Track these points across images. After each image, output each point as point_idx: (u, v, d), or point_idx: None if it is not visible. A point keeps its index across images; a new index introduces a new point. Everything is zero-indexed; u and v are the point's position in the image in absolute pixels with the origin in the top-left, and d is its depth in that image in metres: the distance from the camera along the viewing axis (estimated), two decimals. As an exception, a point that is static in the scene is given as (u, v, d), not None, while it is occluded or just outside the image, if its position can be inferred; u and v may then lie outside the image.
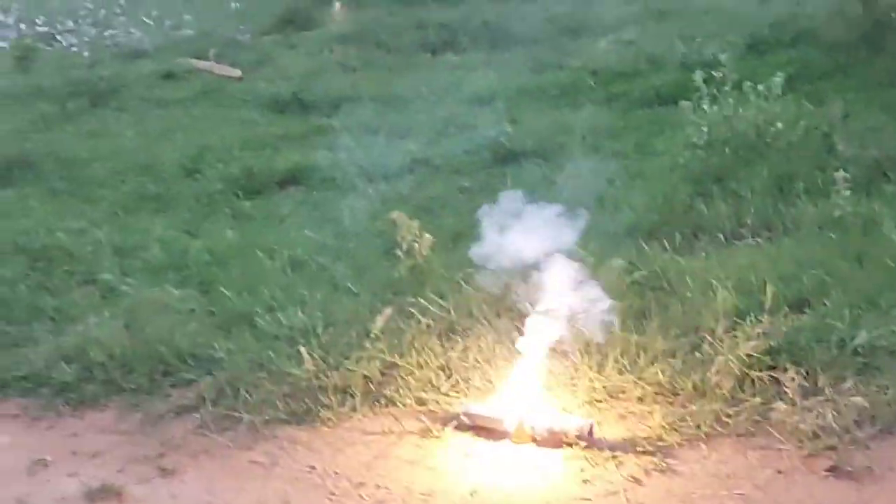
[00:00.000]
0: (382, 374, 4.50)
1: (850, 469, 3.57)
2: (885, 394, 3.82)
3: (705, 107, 6.39)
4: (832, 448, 3.66)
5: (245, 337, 4.95)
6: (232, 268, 5.83)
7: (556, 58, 9.59)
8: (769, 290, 4.30)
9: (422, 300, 4.90)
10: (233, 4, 15.16)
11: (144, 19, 14.38)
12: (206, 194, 7.16)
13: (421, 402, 4.30)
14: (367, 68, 10.38)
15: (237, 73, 10.96)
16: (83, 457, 4.26)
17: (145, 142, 8.60)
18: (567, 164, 6.59)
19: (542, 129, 7.40)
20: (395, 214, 5.30)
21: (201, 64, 11.46)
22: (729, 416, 3.90)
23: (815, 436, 3.71)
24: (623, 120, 7.69)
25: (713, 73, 6.35)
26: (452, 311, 4.82)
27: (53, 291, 5.77)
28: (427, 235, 5.37)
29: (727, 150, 6.16)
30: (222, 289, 5.46)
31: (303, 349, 4.55)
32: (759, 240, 5.32)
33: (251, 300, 5.35)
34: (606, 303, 4.41)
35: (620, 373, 4.22)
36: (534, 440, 3.96)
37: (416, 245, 5.30)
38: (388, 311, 4.69)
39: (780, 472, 3.63)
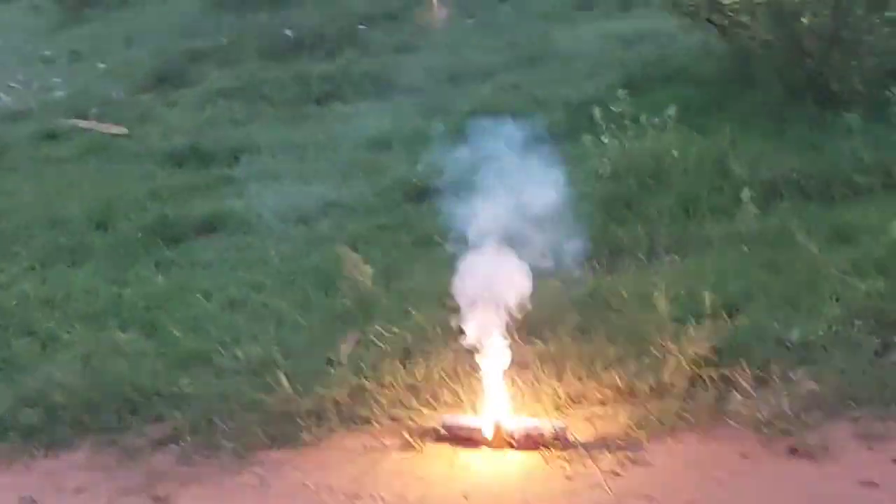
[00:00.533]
0: (351, 397, 4.70)
1: (807, 449, 3.96)
2: (827, 382, 4.24)
3: (605, 140, 6.82)
4: (788, 432, 4.05)
5: (205, 373, 5.11)
6: (170, 311, 5.94)
7: (444, 103, 9.95)
8: (707, 296, 4.70)
9: (376, 327, 5.14)
10: (100, 65, 15.10)
11: (11, 84, 14.24)
12: (123, 244, 7.22)
13: (395, 418, 4.54)
14: (256, 120, 10.55)
15: (123, 129, 10.97)
16: (68, 493, 4.37)
17: (45, 198, 8.57)
18: (480, 199, 6.91)
19: (445, 168, 7.71)
20: (339, 248, 5.55)
21: (83, 123, 11.42)
22: (687, 411, 4.25)
23: (771, 422, 4.09)
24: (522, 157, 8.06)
25: (611, 108, 6.78)
26: (408, 337, 5.06)
27: (-4, 343, 5.78)
28: (368, 267, 5.63)
29: (630, 179, 6.58)
30: (170, 330, 5.59)
31: (278, 375, 4.73)
32: (675, 257, 5.72)
33: (200, 339, 5.50)
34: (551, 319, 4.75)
35: (580, 379, 4.54)
36: (511, 445, 4.24)
37: (360, 277, 5.55)
38: (352, 337, 4.93)
39: (744, 456, 4.00)
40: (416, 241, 6.55)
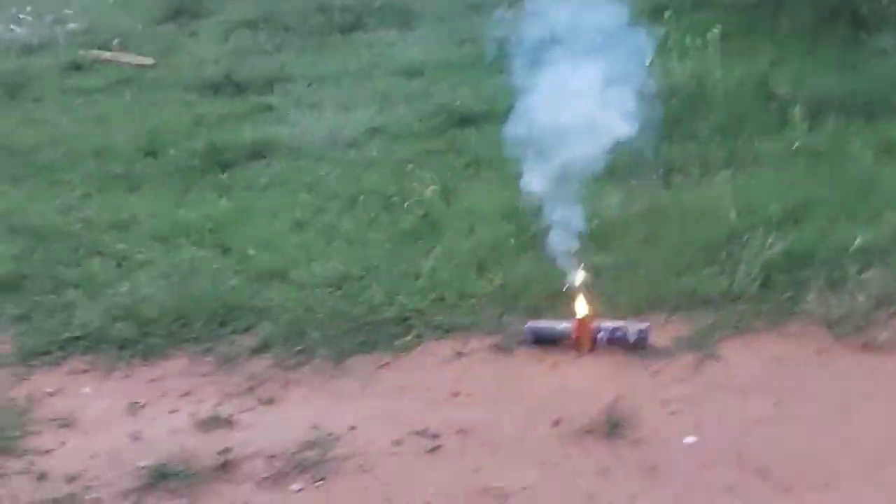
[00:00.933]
0: (434, 306, 4.94)
1: (880, 344, 4.22)
2: (894, 283, 4.49)
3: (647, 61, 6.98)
4: (860, 329, 4.31)
5: (286, 288, 5.33)
6: (239, 231, 6.15)
7: (470, 31, 10.10)
8: (771, 206, 4.94)
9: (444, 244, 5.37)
10: (109, -2, 15.11)
11: (21, 15, 14.23)
12: (176, 171, 7.40)
13: (478, 325, 4.77)
14: (283, 50, 10.68)
15: (149, 60, 11.08)
16: (174, 397, 4.59)
17: (85, 128, 8.73)
18: (529, 124, 7.12)
19: (489, 95, 7.91)
20: (408, 167, 5.76)
21: (107, 55, 11.51)
22: (761, 313, 4.51)
23: (843, 321, 4.35)
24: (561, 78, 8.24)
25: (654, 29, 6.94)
26: (479, 250, 5.30)
27: (66, 264, 5.97)
28: (431, 186, 5.85)
29: (674, 99, 6.78)
30: (244, 248, 5.80)
31: (359, 287, 4.97)
32: (728, 172, 5.94)
33: (275, 257, 5.72)
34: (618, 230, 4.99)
35: (655, 285, 4.78)
36: (593, 348, 4.49)
37: (425, 195, 5.78)
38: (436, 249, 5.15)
39: (819, 352, 4.26)
40: (469, 163, 6.74)
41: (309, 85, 9.16)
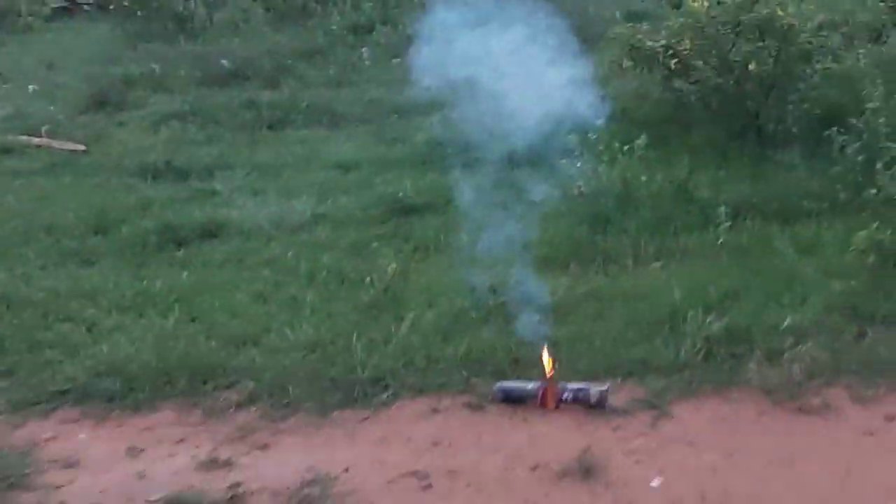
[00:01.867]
0: (406, 368, 5.39)
1: (812, 409, 4.81)
2: (821, 358, 5.11)
3: (579, 164, 7.66)
4: (794, 396, 4.90)
5: (260, 351, 5.71)
6: (204, 302, 6.51)
7: (398, 133, 10.70)
8: (708, 290, 5.55)
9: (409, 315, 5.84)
10: (30, 88, 15.36)
11: (-56, 104, 14.39)
12: (131, 247, 7.70)
13: (450, 386, 5.23)
14: (214, 142, 11.08)
15: (80, 146, 11.37)
16: (169, 443, 4.93)
17: (31, 206, 8.96)
18: (465, 216, 7.68)
19: (426, 188, 8.46)
20: (373, 245, 6.25)
21: (37, 140, 11.76)
22: (706, 380, 5.07)
23: (779, 388, 4.94)
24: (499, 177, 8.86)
25: (588, 135, 7.63)
26: (442, 320, 5.78)
27: (38, 329, 6.25)
28: (393, 264, 6.35)
29: (605, 199, 7.42)
30: (212, 316, 6.17)
31: (334, 351, 5.40)
32: (659, 263, 6.56)
33: (243, 324, 6.10)
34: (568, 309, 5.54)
35: (606, 355, 5.32)
36: (558, 406, 4.98)
37: (389, 271, 6.26)
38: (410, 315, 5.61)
39: (760, 414, 4.83)
40: (417, 247, 7.22)
41: (249, 173, 9.58)
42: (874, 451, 4.45)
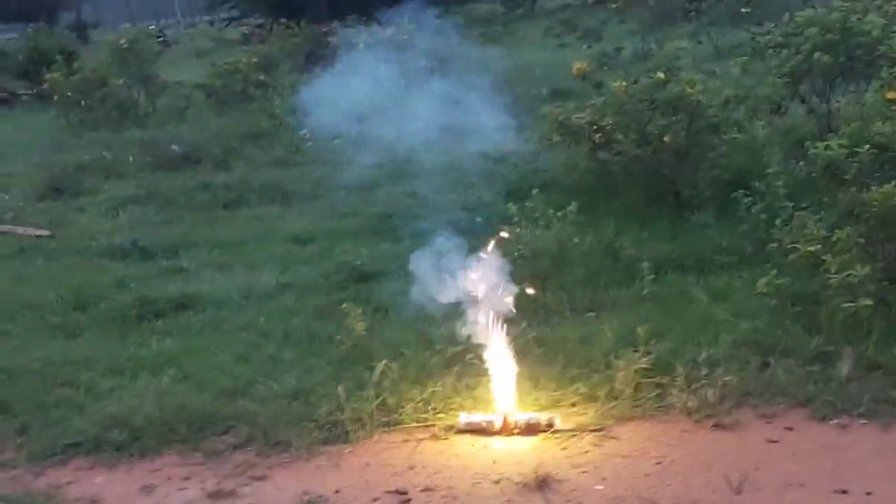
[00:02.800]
0: (380, 410, 6.22)
1: (726, 425, 5.74)
2: (731, 385, 6.05)
3: (518, 231, 8.59)
4: (711, 416, 5.81)
5: (250, 401, 6.51)
6: (190, 363, 7.29)
7: (348, 208, 11.60)
8: (635, 333, 6.48)
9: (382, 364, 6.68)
10: (-20, 176, 15.99)
11: None
12: (111, 320, 8.46)
13: (419, 422, 6.08)
14: (174, 223, 11.87)
15: (45, 232, 12.08)
16: (178, 480, 5.71)
17: (8, 287, 9.67)
18: (418, 280, 8.57)
19: (380, 256, 9.35)
20: (344, 305, 7.11)
21: (2, 227, 12.46)
22: (637, 406, 5.98)
23: (699, 410, 5.85)
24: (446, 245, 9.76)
25: (525, 203, 8.58)
26: (409, 369, 6.63)
27: (41, 393, 6.98)
28: (361, 321, 7.20)
29: (543, 259, 8.35)
30: (201, 375, 6.95)
31: (316, 397, 6.23)
32: (592, 313, 7.48)
33: (230, 380, 6.89)
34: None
35: (553, 390, 6.21)
36: (514, 433, 5.85)
37: (359, 328, 7.12)
38: (382, 364, 6.45)
39: (683, 431, 5.74)
40: (377, 309, 8.06)
41: (212, 250, 10.39)
42: (777, 454, 5.36)
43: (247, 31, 38.10)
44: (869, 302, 6.24)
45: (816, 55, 10.16)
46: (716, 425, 5.76)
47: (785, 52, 10.63)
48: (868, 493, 4.96)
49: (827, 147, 7.04)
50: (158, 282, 9.43)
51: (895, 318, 6.42)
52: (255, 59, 22.90)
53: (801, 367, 6.20)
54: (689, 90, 9.61)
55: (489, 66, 16.17)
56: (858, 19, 10.56)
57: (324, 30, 24.70)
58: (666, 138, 9.23)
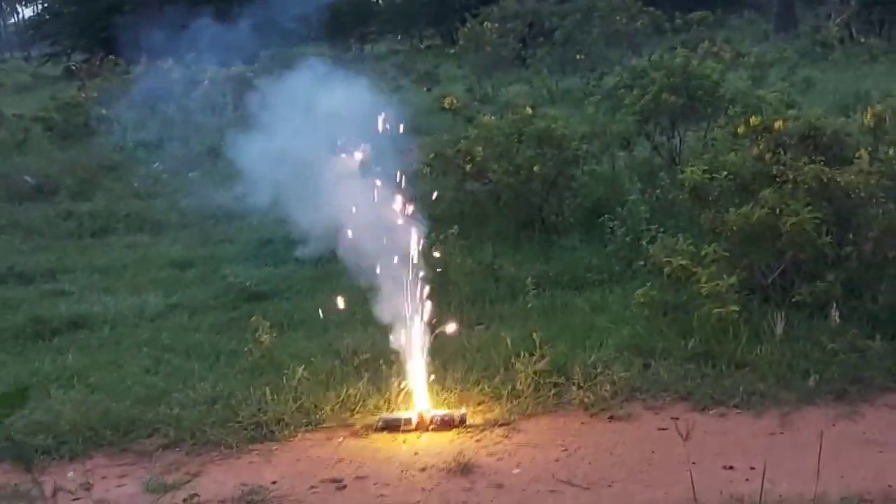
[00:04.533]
0: (299, 411, 6.65)
1: (619, 417, 6.40)
2: (620, 383, 6.73)
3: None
4: (606, 409, 6.47)
5: (170, 406, 6.83)
6: (97, 377, 7.52)
7: (222, 235, 11.93)
8: (535, 336, 7.09)
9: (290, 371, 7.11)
10: None
11: None
12: (7, 339, 8.59)
13: (337, 421, 6.53)
14: (45, 251, 11.92)
15: None
16: (114, 478, 6.03)
17: None
18: (309, 298, 9.03)
19: (266, 278, 9.75)
20: (253, 319, 7.51)
21: None
22: (539, 402, 6.58)
23: (594, 404, 6.50)
24: (313, 272, 10.22)
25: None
26: (319, 375, 7.08)
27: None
28: (266, 334, 7.61)
29: (432, 278, 8.90)
30: (112, 385, 7.22)
31: (234, 401, 6.62)
32: (483, 325, 8.08)
33: (143, 390, 7.18)
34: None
35: (462, 390, 6.76)
36: (430, 428, 6.37)
37: (265, 340, 7.52)
38: (301, 369, 6.88)
39: (582, 423, 6.37)
40: (273, 325, 8.44)
41: (91, 275, 10.56)
42: (668, 439, 6.02)
43: (74, 66, 37.47)
44: (736, 308, 7.00)
45: (664, 95, 11.07)
46: (611, 417, 6.41)
47: (635, 92, 11.53)
48: (751, 468, 5.66)
49: (692, 172, 7.83)
50: (44, 303, 9.56)
51: (756, 322, 7.20)
52: (94, 94, 22.88)
53: (680, 366, 6.89)
54: (552, 125, 10.37)
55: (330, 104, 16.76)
56: (698, 64, 11.56)
57: (165, 66, 24.70)
58: (536, 168, 9.93)
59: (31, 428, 6.55)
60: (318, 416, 6.58)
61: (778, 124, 7.95)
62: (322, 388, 6.88)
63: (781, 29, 31.44)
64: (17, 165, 17.23)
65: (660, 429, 6.26)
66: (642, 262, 8.41)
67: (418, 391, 6.66)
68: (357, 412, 6.62)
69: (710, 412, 6.42)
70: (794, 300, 7.19)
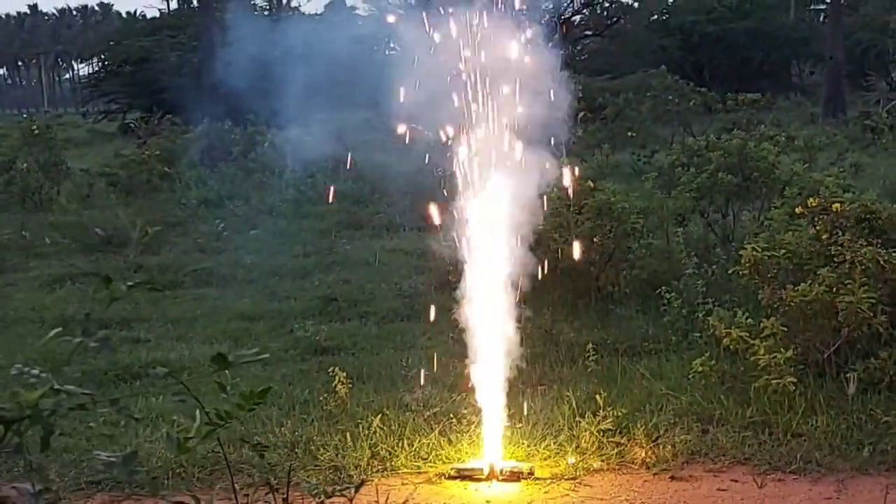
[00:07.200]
0: (374, 457, 7.05)
1: (681, 477, 6.75)
2: (683, 443, 7.08)
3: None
4: (667, 469, 6.83)
5: (250, 450, 7.24)
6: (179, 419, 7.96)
7: (288, 291, 12.41)
8: (599, 398, 7.46)
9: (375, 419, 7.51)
10: None
11: None
12: (89, 381, 9.04)
13: (413, 468, 6.93)
14: (117, 301, 12.42)
15: (-14, 303, 12.50)
16: (206, 512, 6.38)
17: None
18: (375, 354, 9.46)
19: (334, 333, 10.19)
20: (330, 370, 7.94)
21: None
22: (603, 459, 6.95)
23: (656, 464, 6.86)
24: (378, 330, 10.68)
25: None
26: (393, 426, 7.49)
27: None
28: (342, 386, 8.03)
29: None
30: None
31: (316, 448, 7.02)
32: (543, 387, 8.46)
33: (225, 434, 7.57)
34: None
35: (529, 445, 7.15)
36: (499, 479, 6.75)
37: (341, 391, 7.94)
38: (377, 418, 7.28)
39: (645, 481, 6.73)
40: (344, 377, 8.88)
41: (164, 325, 11.05)
42: (728, 499, 6.38)
43: (133, 124, 38.45)
44: (793, 379, 7.36)
45: (721, 175, 11.50)
46: (672, 477, 6.77)
47: (691, 170, 11.97)
48: (809, 530, 6.00)
49: (752, 249, 8.22)
50: (123, 349, 10.02)
51: (811, 395, 7.55)
52: (157, 152, 23.64)
53: (737, 433, 7.24)
54: (611, 199, 10.81)
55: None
56: (755, 146, 12.01)
57: (225, 126, 25.48)
58: (596, 239, 10.35)
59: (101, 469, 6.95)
60: (392, 464, 6.96)
61: (836, 206, 8.33)
62: (396, 437, 7.26)
63: (830, 113, 31.93)
64: (82, 218, 17.92)
65: (720, 489, 6.60)
66: (698, 334, 8.78)
67: (488, 444, 7.02)
68: (430, 462, 7.00)
69: (769, 476, 6.75)
70: (847, 375, 7.52)
